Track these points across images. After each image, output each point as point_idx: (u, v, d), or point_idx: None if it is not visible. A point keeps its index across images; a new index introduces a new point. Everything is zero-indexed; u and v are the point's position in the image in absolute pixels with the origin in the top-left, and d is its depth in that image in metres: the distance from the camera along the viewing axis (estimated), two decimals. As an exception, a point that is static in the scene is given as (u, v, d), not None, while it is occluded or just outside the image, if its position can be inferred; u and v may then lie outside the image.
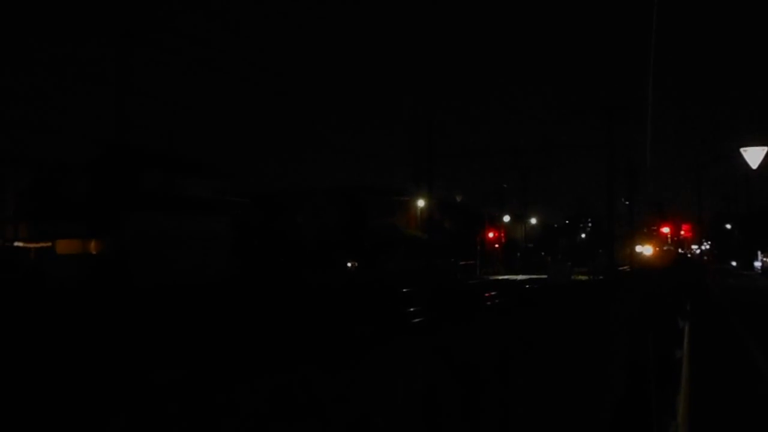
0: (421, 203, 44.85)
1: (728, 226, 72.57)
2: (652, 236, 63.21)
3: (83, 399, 7.47)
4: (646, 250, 52.61)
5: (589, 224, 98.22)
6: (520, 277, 44.59)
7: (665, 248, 65.23)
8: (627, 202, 47.79)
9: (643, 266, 42.23)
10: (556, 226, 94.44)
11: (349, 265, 38.20)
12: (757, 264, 55.20)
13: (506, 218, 61.19)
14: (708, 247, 77.78)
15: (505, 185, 58.15)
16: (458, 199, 58.51)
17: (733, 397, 7.24)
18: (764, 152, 20.95)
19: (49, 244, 26.07)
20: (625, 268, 44.23)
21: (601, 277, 36.37)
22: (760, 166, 21.36)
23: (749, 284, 34.24)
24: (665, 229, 60.35)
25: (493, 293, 26.49)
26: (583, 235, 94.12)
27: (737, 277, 44.50)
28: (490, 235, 55.37)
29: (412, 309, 19.00)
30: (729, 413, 6.59)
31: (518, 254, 63.38)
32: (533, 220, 69.90)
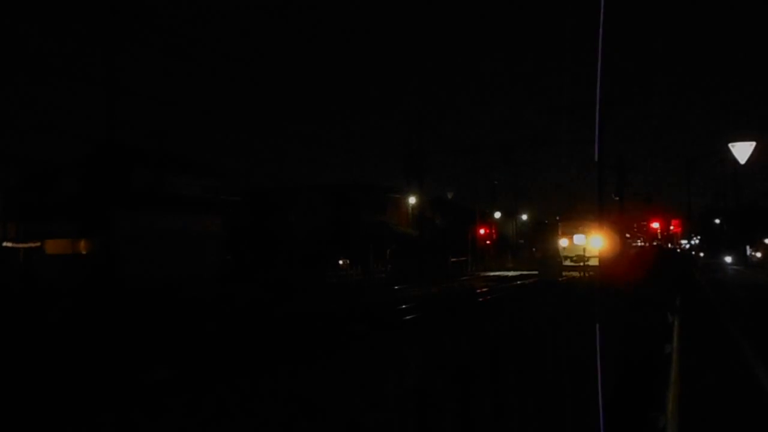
0: (412, 200, 44.89)
1: (717, 221, 73.15)
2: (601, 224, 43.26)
3: (74, 398, 7.44)
4: (593, 242, 32.93)
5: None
6: (511, 273, 44.74)
7: (654, 243, 65.38)
8: (617, 198, 48.05)
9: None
10: (547, 222, 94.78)
11: (340, 262, 38.20)
12: None
13: (497, 215, 61.36)
14: (697, 241, 78.44)
15: (496, 182, 58.31)
16: (449, 196, 58.63)
17: (722, 390, 7.32)
18: (752, 147, 21.14)
19: (39, 244, 25.87)
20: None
21: (591, 273, 36.52)
22: (749, 160, 21.55)
23: (743, 279, 34.48)
24: (655, 224, 54.85)
25: (484, 290, 26.58)
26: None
27: (729, 271, 44.84)
28: (482, 231, 55.50)
29: (404, 306, 19.03)
30: (718, 406, 6.66)
31: (509, 250, 63.59)
32: (524, 217, 70.15)
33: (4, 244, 25.75)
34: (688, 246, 75.96)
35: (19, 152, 27.12)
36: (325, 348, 10.65)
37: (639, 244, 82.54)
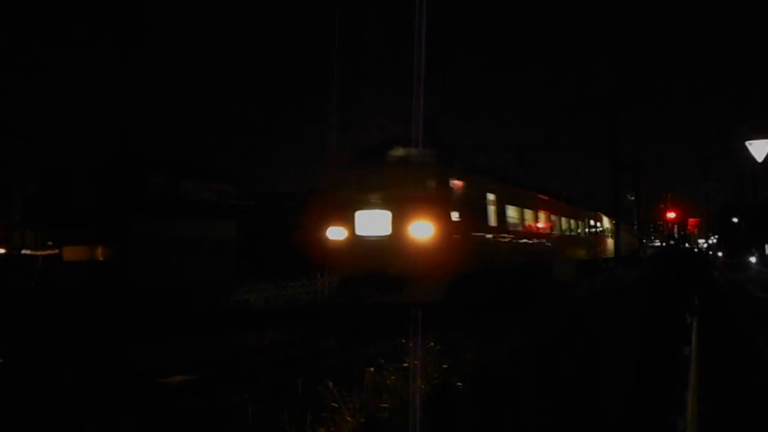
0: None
1: (735, 220, 72.07)
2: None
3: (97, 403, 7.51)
4: (418, 228, 12.71)
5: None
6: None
7: (671, 242, 63.94)
8: (632, 197, 47.64)
9: None
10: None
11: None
12: None
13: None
14: (715, 241, 77.44)
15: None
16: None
17: (741, 394, 7.21)
18: (770, 145, 20.87)
19: (57, 251, 26.17)
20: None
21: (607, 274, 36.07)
22: (767, 158, 21.26)
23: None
24: (671, 215, 52.88)
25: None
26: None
27: (752, 271, 44.03)
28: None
29: (419, 308, 18.90)
30: (737, 410, 6.56)
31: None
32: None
33: (23, 251, 26.07)
34: (706, 245, 74.99)
35: (36, 160, 27.38)
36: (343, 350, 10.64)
37: (657, 243, 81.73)
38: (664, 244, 73.84)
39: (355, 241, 13.68)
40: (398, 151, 14.07)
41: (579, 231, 26.39)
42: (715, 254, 64.33)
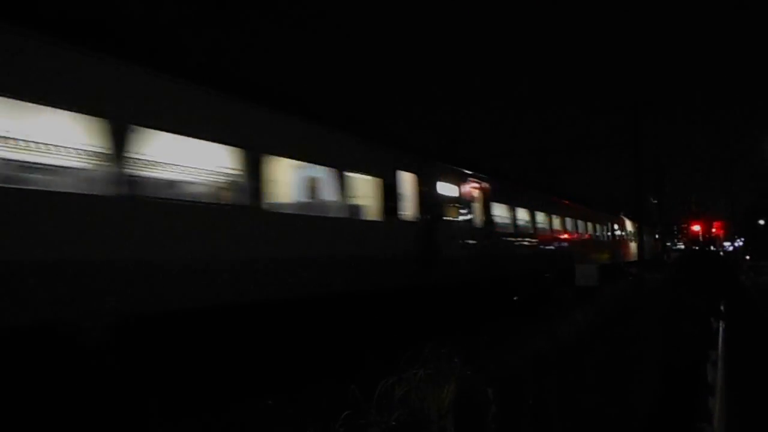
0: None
1: (761, 222, 70.57)
2: None
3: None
4: None
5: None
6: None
7: (695, 246, 62.70)
8: (655, 201, 47.03)
9: None
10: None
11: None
12: None
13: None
14: (741, 243, 75.96)
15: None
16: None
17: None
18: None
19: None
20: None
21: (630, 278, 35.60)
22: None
23: None
24: (696, 227, 52.12)
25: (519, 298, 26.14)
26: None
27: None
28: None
29: (438, 313, 18.86)
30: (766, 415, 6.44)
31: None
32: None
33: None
34: (731, 248, 73.59)
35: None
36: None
37: (681, 246, 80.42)
38: (688, 248, 72.59)
39: None
40: None
41: (603, 235, 27.85)
42: (741, 257, 63.07)
